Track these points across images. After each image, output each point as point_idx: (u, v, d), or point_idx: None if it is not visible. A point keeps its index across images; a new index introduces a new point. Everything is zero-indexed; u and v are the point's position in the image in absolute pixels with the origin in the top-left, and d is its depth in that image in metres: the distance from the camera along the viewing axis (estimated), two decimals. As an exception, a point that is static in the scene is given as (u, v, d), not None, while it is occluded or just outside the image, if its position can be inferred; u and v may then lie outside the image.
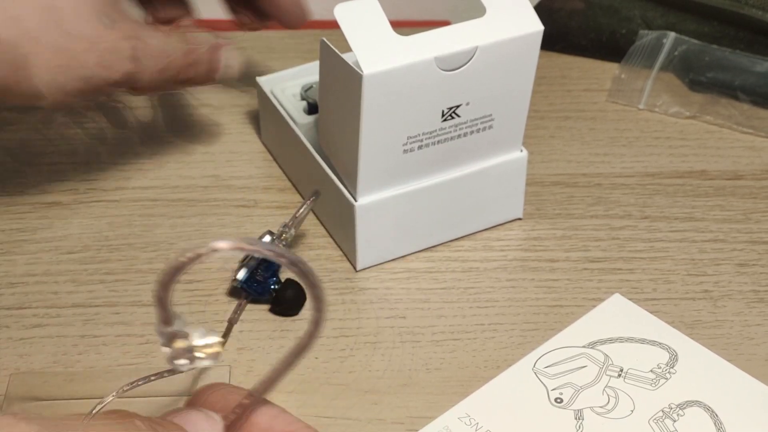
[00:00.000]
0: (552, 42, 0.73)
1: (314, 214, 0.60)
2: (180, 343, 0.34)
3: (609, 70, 0.72)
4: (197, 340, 0.35)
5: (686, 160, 0.64)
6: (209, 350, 0.35)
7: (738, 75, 0.68)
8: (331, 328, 0.53)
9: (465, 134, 0.55)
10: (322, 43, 0.52)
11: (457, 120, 0.54)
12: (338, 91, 0.52)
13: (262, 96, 0.63)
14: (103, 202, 0.61)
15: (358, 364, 0.51)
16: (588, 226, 0.59)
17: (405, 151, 0.53)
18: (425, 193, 0.56)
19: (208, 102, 0.68)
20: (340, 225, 0.57)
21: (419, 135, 0.53)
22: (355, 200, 0.54)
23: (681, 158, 0.64)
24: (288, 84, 0.62)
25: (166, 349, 0.35)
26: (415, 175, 0.55)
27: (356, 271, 0.56)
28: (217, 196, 0.61)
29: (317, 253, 0.57)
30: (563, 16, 0.74)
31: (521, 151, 0.57)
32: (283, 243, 0.54)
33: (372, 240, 0.56)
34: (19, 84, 0.50)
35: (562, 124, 0.67)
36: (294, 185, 0.62)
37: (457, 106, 0.53)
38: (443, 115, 0.53)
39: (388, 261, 0.57)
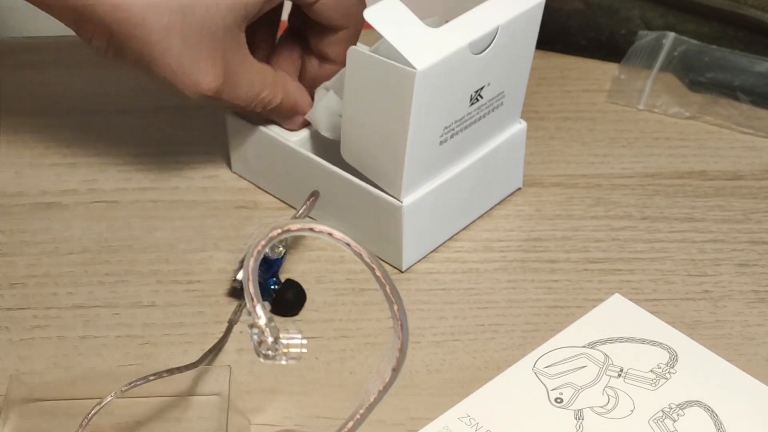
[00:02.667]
0: (551, 42, 0.73)
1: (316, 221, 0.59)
2: (266, 326, 0.35)
3: (608, 70, 0.71)
4: (285, 336, 0.35)
5: (686, 161, 0.64)
6: (294, 348, 0.36)
7: (737, 75, 0.68)
8: (332, 329, 0.53)
9: (484, 115, 0.56)
10: (353, 51, 0.51)
11: (480, 102, 0.55)
12: (377, 96, 0.52)
13: (236, 124, 0.61)
14: (102, 204, 0.61)
15: (359, 366, 0.51)
16: (588, 226, 0.59)
17: (441, 143, 0.54)
18: (454, 181, 0.57)
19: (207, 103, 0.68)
20: (376, 228, 0.56)
21: (452, 124, 0.54)
22: (400, 201, 0.54)
23: (681, 159, 0.64)
24: None
25: (254, 336, 0.35)
26: (445, 165, 0.56)
27: (402, 272, 0.56)
28: (216, 198, 0.61)
29: (317, 254, 0.57)
30: (562, 17, 0.74)
31: (520, 122, 0.60)
32: (283, 244, 0.54)
33: (415, 237, 0.56)
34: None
35: (561, 125, 0.67)
36: (290, 205, 0.61)
37: (482, 88, 0.54)
38: (471, 100, 0.54)
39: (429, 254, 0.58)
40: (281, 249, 0.54)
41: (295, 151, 0.58)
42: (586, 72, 0.72)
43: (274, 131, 0.59)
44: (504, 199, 0.61)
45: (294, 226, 0.34)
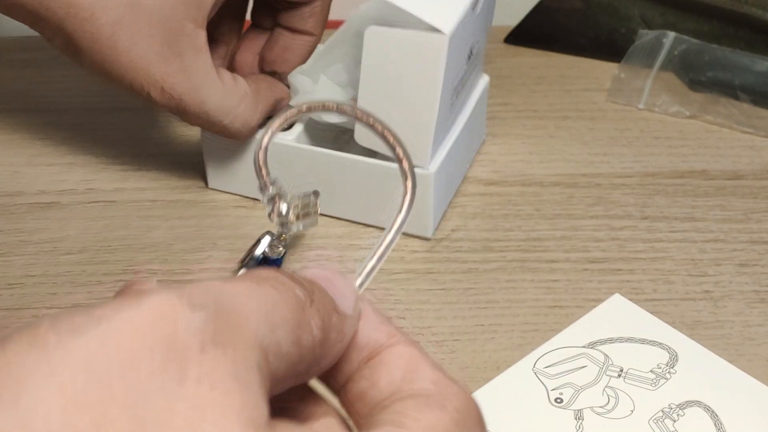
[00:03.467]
0: (551, 41, 0.73)
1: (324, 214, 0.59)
2: (281, 205, 0.34)
3: (608, 69, 0.71)
4: (293, 200, 0.35)
5: (686, 160, 0.64)
6: (306, 209, 0.35)
7: (738, 74, 0.68)
8: (330, 329, 0.53)
9: (471, 71, 0.57)
10: (372, 30, 0.52)
11: (471, 59, 0.56)
12: (401, 69, 0.52)
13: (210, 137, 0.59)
14: (101, 203, 0.61)
15: (357, 365, 0.51)
16: (588, 226, 0.59)
17: (451, 104, 0.55)
18: (458, 140, 0.58)
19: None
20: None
21: (457, 84, 0.55)
22: (428, 170, 0.55)
23: (681, 158, 0.64)
24: None
25: (270, 212, 0.34)
26: (450, 125, 0.57)
27: (428, 240, 0.57)
28: (215, 197, 0.61)
29: (316, 253, 0.57)
30: (562, 16, 0.74)
31: (483, 76, 0.62)
32: (282, 243, 0.53)
33: (437, 202, 0.57)
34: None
35: (561, 124, 0.67)
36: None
37: (473, 45, 0.56)
38: (467, 57, 0.55)
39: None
40: (281, 249, 0.53)
41: (301, 149, 0.58)
42: (585, 71, 0.72)
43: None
44: (504, 198, 0.61)
45: (305, 106, 0.34)
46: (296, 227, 0.35)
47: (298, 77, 0.58)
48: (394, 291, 0.55)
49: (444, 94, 0.53)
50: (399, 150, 0.34)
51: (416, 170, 0.54)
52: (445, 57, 0.51)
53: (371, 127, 0.34)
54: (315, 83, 0.57)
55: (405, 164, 0.33)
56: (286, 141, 0.58)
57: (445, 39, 0.50)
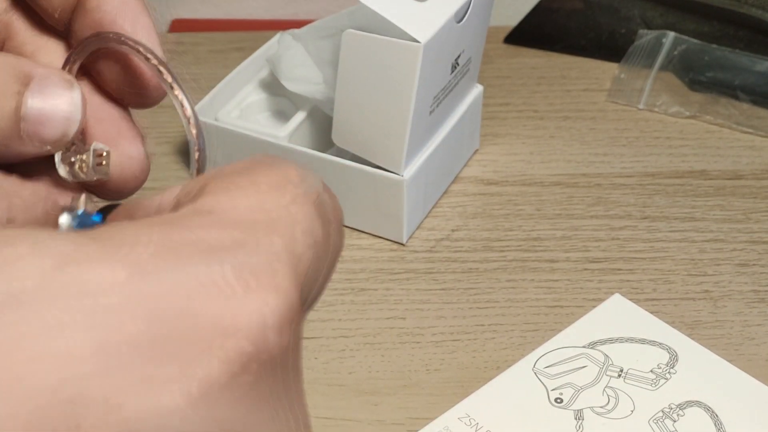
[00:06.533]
0: (551, 42, 0.73)
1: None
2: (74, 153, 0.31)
3: (609, 69, 0.71)
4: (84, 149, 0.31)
5: (686, 160, 0.64)
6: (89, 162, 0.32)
7: (738, 74, 0.68)
8: (331, 328, 0.53)
9: (458, 82, 0.57)
10: (349, 33, 0.52)
11: (456, 69, 0.56)
12: (377, 75, 0.52)
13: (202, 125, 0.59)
14: (103, 202, 0.61)
15: (358, 365, 0.51)
16: (588, 226, 0.59)
17: (430, 113, 0.55)
18: (439, 148, 0.58)
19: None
20: (375, 207, 0.57)
21: (439, 93, 0.55)
22: (401, 175, 0.55)
23: (681, 158, 0.64)
24: (226, 108, 0.61)
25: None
26: (431, 133, 0.57)
27: (404, 245, 0.58)
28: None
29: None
30: (562, 16, 0.74)
31: (477, 86, 0.62)
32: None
33: (412, 209, 0.57)
34: None
35: (561, 124, 0.67)
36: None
37: (459, 56, 0.56)
38: (452, 68, 0.55)
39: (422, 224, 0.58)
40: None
41: (286, 148, 0.58)
42: (586, 71, 0.72)
43: (254, 131, 0.59)
44: (504, 198, 0.61)
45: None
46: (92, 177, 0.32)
47: (285, 36, 0.58)
48: (395, 290, 0.55)
49: (419, 102, 0.53)
50: (178, 94, 0.32)
51: (390, 176, 0.56)
52: (419, 66, 0.51)
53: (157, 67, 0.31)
54: (306, 51, 0.58)
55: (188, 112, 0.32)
56: (278, 141, 0.58)
57: (420, 48, 0.50)
